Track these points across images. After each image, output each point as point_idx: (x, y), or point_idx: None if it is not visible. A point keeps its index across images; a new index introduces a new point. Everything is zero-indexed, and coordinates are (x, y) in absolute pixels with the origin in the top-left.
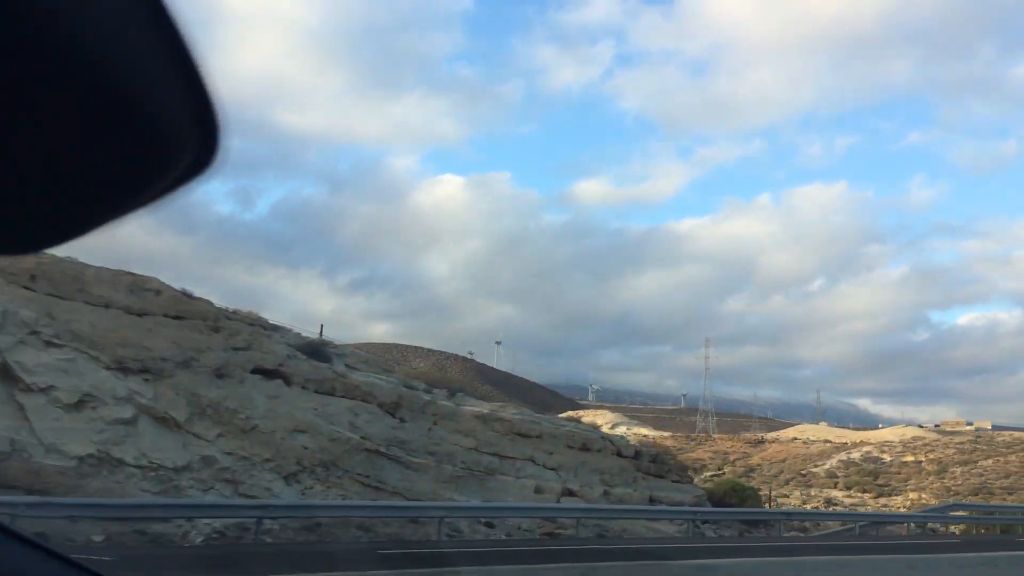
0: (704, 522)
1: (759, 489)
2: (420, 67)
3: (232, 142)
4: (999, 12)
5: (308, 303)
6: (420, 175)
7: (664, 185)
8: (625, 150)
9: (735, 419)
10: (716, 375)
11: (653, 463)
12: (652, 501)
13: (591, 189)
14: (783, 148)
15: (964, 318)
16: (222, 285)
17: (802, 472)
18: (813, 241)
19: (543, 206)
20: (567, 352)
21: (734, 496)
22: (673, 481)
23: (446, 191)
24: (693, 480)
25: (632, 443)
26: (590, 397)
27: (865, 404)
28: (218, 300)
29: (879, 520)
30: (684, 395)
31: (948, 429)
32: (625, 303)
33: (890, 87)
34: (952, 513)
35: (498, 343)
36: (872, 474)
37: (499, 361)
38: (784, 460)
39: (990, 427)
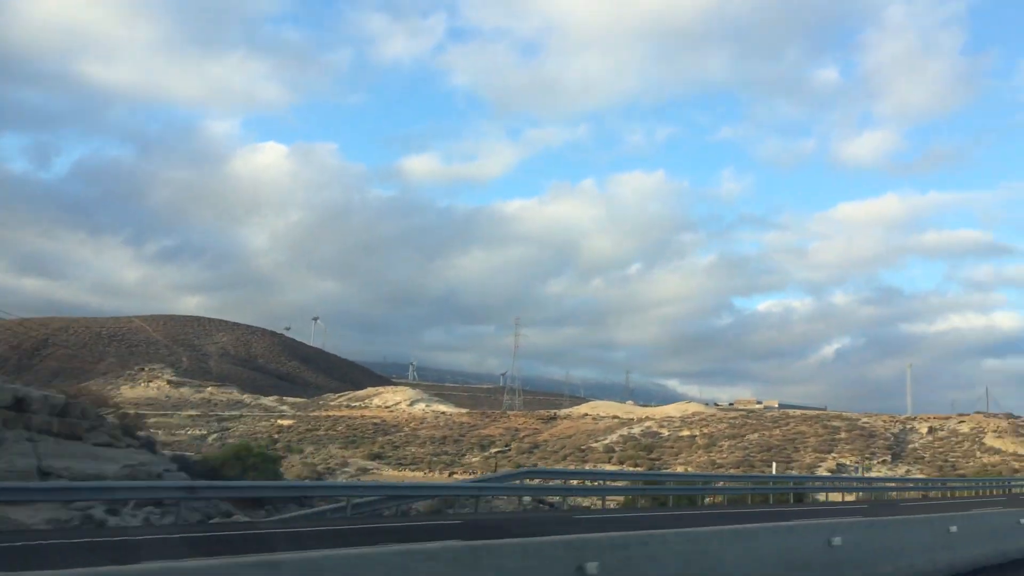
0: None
1: (290, 456)
2: (242, 25)
3: (26, 93)
4: (805, 16)
5: (111, 272)
6: (240, 141)
7: (493, 165)
8: (455, 127)
9: (547, 397)
10: (534, 355)
11: (60, 417)
12: (43, 474)
13: (420, 165)
14: (608, 135)
15: (763, 305)
16: (10, 250)
17: (582, 447)
18: (632, 227)
19: (370, 180)
20: (391, 330)
21: (237, 466)
22: (100, 444)
23: (267, 159)
24: (156, 444)
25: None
26: (410, 376)
27: (673, 384)
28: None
29: (400, 494)
30: (503, 375)
31: (741, 407)
32: (450, 282)
33: (707, 82)
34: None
35: (315, 319)
36: (647, 448)
37: (315, 337)
38: (571, 436)
39: (777, 405)
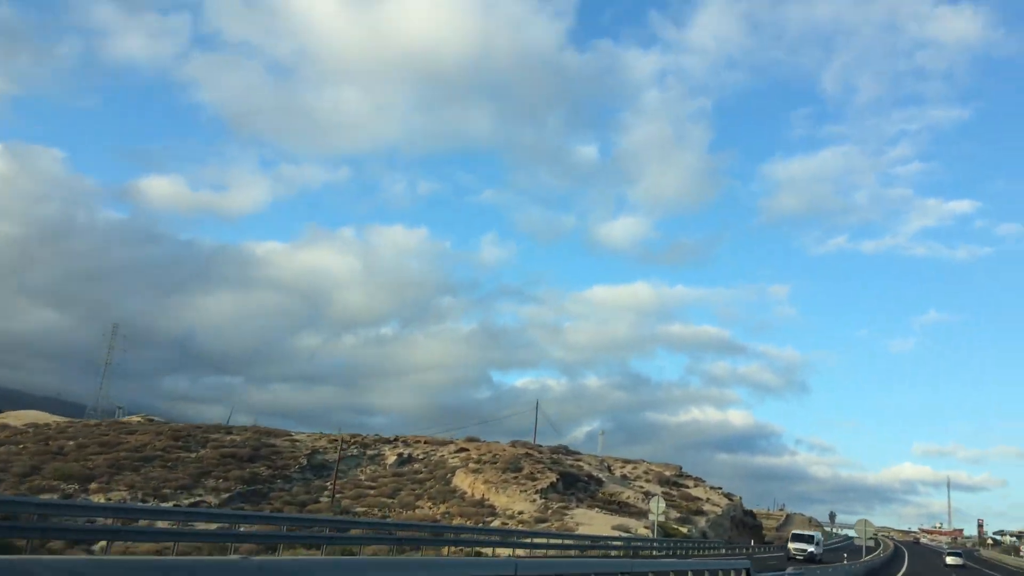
0: None
1: None
2: None
3: None
4: (566, 85)
5: None
6: None
7: (244, 198)
8: (203, 150)
9: None
10: (292, 415)
11: None
12: None
13: (161, 188)
14: (368, 181)
15: (521, 381)
16: None
17: None
18: (390, 284)
19: (101, 198)
20: (123, 372)
21: None
22: None
23: None
24: None
25: None
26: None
27: None
28: None
29: None
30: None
31: None
32: (191, 324)
33: (470, 138)
34: None
35: None
36: None
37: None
38: None
39: None
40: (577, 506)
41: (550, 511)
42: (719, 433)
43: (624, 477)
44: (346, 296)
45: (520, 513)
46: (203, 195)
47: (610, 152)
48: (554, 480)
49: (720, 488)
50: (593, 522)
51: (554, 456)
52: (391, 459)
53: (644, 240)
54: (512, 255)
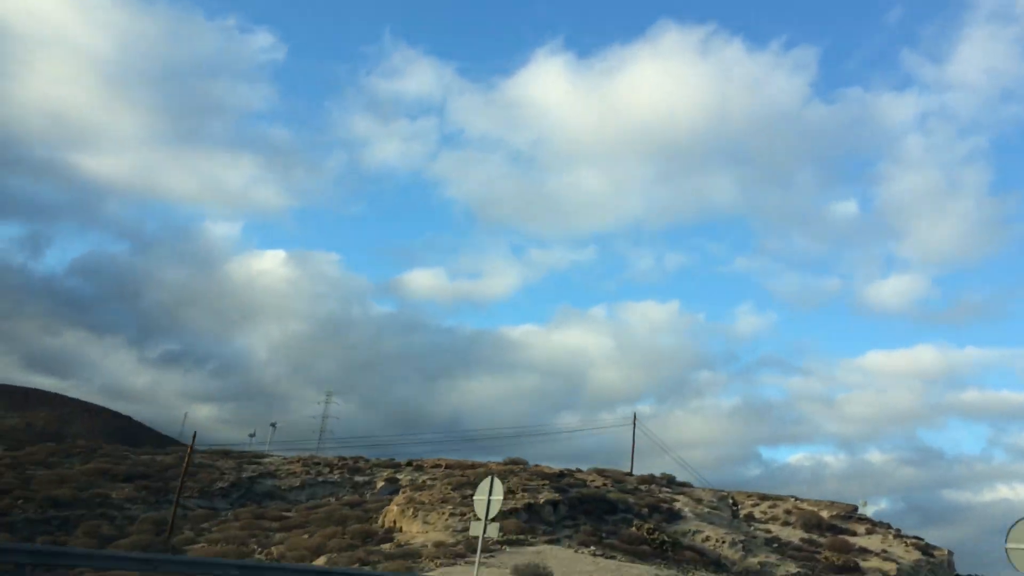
0: None
1: None
2: (228, 120)
3: (17, 180)
4: (814, 140)
5: (119, 375)
6: (239, 245)
7: (497, 284)
8: (457, 242)
9: None
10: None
11: None
12: None
13: (423, 281)
14: (615, 258)
15: (793, 457)
16: (17, 345)
17: None
18: (644, 359)
19: (372, 293)
20: (402, 454)
21: None
22: None
23: (266, 266)
24: None
25: None
26: None
27: None
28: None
29: None
30: None
31: None
32: (456, 407)
33: (714, 208)
34: None
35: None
36: None
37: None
38: None
39: None
40: (593, 548)
41: (495, 542)
42: None
43: (750, 517)
44: (601, 375)
45: (424, 546)
46: (460, 284)
47: (870, 207)
48: (537, 502)
49: (918, 539)
50: (573, 566)
51: (570, 477)
52: (379, 484)
53: (921, 299)
54: (771, 324)
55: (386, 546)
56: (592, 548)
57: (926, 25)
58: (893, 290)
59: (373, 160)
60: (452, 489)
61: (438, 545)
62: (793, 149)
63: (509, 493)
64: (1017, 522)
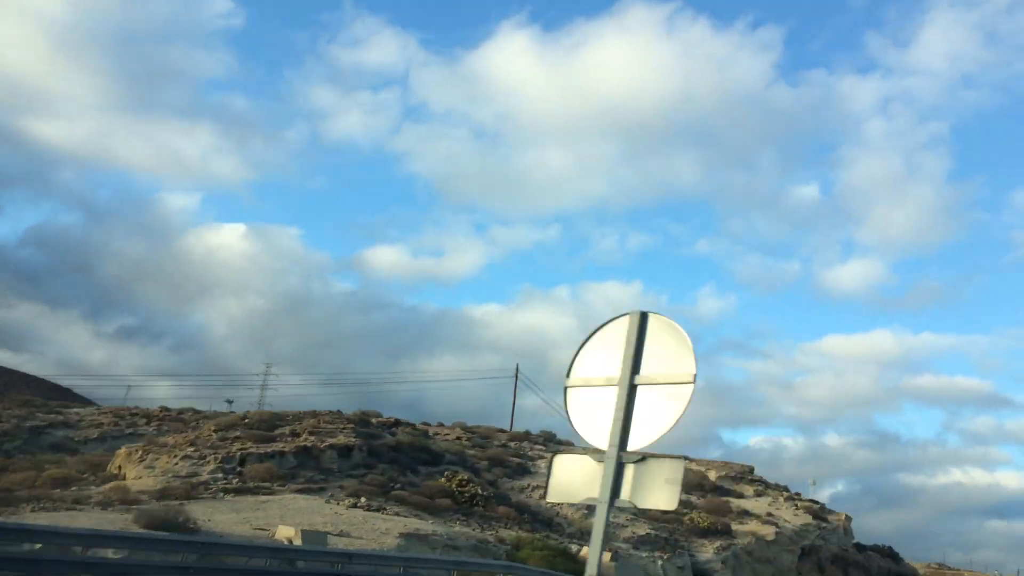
0: None
1: None
2: (185, 88)
3: None
4: (777, 123)
5: (73, 349)
6: (197, 217)
7: (460, 263)
8: (419, 218)
9: None
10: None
11: None
12: None
13: (385, 257)
14: (578, 238)
15: (753, 439)
16: None
17: None
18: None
19: (333, 270)
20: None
21: None
22: None
23: (225, 239)
24: None
25: None
26: None
27: None
28: None
29: None
30: None
31: None
32: (418, 386)
33: (678, 189)
34: None
35: None
36: None
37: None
38: None
39: None
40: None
41: (217, 489)
42: (988, 498)
43: None
44: (563, 355)
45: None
46: (423, 261)
47: (831, 191)
48: (317, 446)
49: (814, 502)
50: (308, 518)
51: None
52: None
53: (879, 284)
54: (732, 307)
55: (67, 491)
56: (362, 499)
57: (890, 7)
58: (852, 275)
59: (334, 132)
60: (214, 431)
61: (138, 492)
62: (757, 131)
63: (293, 436)
64: None
